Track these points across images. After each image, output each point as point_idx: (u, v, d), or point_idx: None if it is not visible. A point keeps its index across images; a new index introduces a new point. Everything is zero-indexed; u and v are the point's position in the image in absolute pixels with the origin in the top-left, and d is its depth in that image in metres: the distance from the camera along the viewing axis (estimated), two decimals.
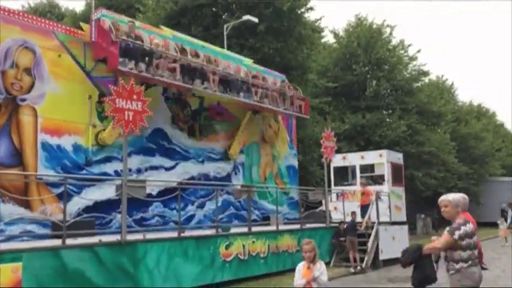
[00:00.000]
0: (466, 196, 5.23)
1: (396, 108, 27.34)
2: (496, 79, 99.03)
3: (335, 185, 17.71)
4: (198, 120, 13.90)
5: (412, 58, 29.00)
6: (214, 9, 20.85)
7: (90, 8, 19.91)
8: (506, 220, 22.72)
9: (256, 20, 18.38)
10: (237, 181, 14.86)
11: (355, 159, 17.80)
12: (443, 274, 5.30)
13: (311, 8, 21.54)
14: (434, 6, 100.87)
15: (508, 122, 77.76)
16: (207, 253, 10.26)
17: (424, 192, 27.93)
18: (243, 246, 11.27)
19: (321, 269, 5.58)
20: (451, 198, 5.14)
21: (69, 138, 10.48)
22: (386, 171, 16.96)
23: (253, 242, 11.62)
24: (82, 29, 11.41)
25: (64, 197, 8.32)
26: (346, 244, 13.72)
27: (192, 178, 13.19)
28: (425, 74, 30.08)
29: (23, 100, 9.79)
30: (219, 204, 11.73)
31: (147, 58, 11.10)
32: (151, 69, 11.10)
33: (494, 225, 22.03)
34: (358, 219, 14.68)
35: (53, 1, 31.61)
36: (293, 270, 6.06)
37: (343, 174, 18.08)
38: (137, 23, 12.37)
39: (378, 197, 15.21)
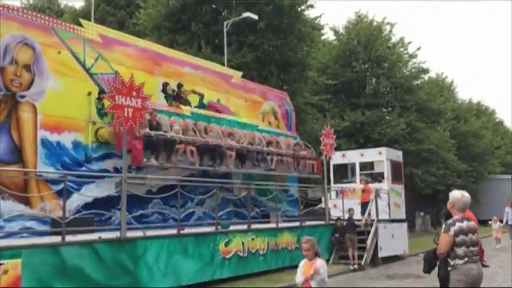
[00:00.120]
0: (467, 194, 5.24)
1: (396, 106, 27.35)
2: (495, 78, 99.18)
3: (334, 182, 17.71)
4: None
5: (412, 56, 29.01)
6: (214, 6, 20.85)
7: (90, 4, 19.91)
8: (501, 220, 20.09)
9: (256, 17, 18.35)
10: (237, 178, 14.86)
11: (354, 156, 17.80)
12: None
13: (311, 6, 21.55)
14: (434, 6, 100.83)
15: (508, 120, 77.82)
16: (207, 250, 10.28)
17: (424, 190, 27.97)
18: (243, 243, 11.28)
19: (319, 267, 5.57)
20: (451, 194, 5.27)
21: (69, 135, 10.44)
22: (385, 169, 16.97)
23: (252, 239, 11.63)
24: (82, 26, 11.38)
25: (64, 194, 8.32)
26: (346, 241, 13.74)
27: (192, 176, 13.18)
28: (425, 71, 30.09)
29: (23, 97, 9.75)
30: (219, 201, 11.73)
31: (167, 147, 11.35)
32: (172, 158, 11.47)
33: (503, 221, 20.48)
34: (358, 216, 14.69)
35: None
36: (292, 267, 6.10)
37: (343, 172, 18.08)
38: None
39: (377, 195, 15.23)
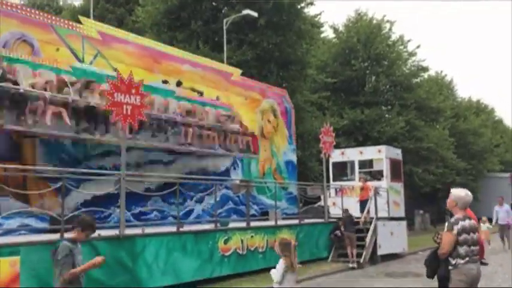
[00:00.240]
0: (469, 193, 5.24)
1: (395, 104, 27.32)
2: (495, 77, 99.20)
3: (334, 180, 17.71)
4: None
5: (412, 54, 28.96)
6: (214, 3, 20.78)
7: (89, 1, 19.84)
8: (491, 220, 17.75)
9: (255, 14, 18.30)
10: (236, 176, 14.86)
11: (353, 154, 17.80)
12: None
13: (311, 3, 21.51)
14: (434, 6, 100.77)
15: (507, 118, 77.68)
16: (206, 248, 10.27)
17: (423, 188, 27.97)
18: (242, 241, 11.27)
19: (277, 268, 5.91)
20: (454, 192, 5.27)
21: None
22: (385, 167, 16.98)
23: (251, 236, 11.62)
24: (81, 23, 11.34)
25: (62, 191, 8.30)
26: (344, 239, 13.73)
27: (191, 173, 13.17)
28: (425, 69, 30.04)
29: None
30: (218, 199, 11.72)
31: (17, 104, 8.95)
32: (25, 119, 8.99)
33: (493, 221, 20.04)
34: (356, 214, 14.68)
35: None
36: None
37: (342, 170, 18.08)
38: None
39: (376, 193, 15.22)
